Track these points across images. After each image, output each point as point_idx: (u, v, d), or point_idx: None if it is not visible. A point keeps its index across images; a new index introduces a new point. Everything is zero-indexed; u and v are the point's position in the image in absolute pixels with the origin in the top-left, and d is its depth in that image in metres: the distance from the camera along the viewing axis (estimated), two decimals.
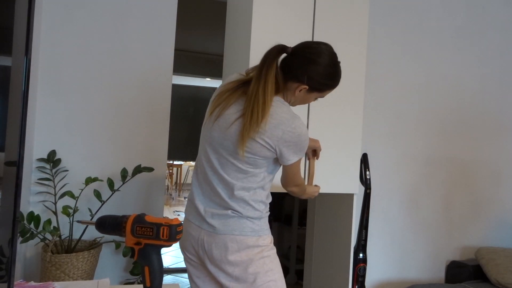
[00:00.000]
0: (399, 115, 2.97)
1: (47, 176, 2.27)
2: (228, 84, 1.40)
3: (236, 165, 1.34)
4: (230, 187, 1.36)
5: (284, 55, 1.35)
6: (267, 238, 1.41)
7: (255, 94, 1.28)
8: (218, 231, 1.36)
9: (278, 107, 1.32)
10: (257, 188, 1.38)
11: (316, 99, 1.45)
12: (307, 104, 2.00)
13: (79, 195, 2.24)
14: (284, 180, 1.49)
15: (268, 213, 1.45)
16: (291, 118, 1.32)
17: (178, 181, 8.74)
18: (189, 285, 1.50)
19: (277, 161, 1.39)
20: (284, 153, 1.34)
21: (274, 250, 1.43)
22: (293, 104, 1.45)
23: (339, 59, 1.41)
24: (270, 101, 1.29)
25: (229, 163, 1.35)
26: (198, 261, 1.43)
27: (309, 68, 1.33)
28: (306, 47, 1.36)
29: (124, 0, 2.47)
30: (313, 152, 1.79)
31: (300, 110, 1.98)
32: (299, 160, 1.41)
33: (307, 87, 1.35)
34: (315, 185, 1.70)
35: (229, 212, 1.35)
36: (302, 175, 1.81)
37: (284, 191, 1.76)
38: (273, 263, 1.39)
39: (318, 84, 1.37)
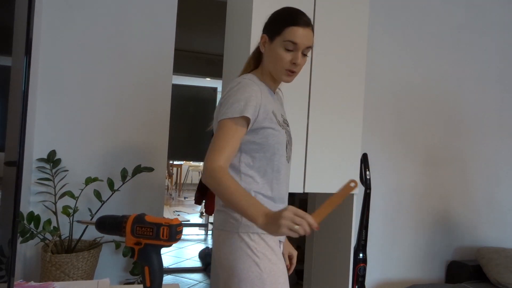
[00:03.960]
0: (399, 115, 2.97)
1: (47, 176, 2.27)
2: None
3: None
4: None
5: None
6: (257, 237, 1.22)
7: None
8: (215, 226, 1.32)
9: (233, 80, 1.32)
10: (234, 175, 1.26)
11: (288, 50, 1.27)
12: (307, 104, 1.99)
13: (79, 195, 2.23)
14: None
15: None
16: (236, 80, 1.29)
17: (178, 181, 8.74)
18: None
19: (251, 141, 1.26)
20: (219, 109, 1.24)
21: (270, 255, 1.23)
22: (270, 70, 1.32)
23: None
24: None
25: None
26: None
27: (265, 22, 1.36)
28: None
29: (124, 0, 2.47)
30: (289, 257, 1.48)
31: (300, 110, 1.98)
32: (228, 124, 1.18)
33: (265, 35, 1.31)
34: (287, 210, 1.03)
35: (218, 206, 1.32)
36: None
37: None
38: (261, 270, 1.19)
39: (269, 25, 1.32)
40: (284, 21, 1.28)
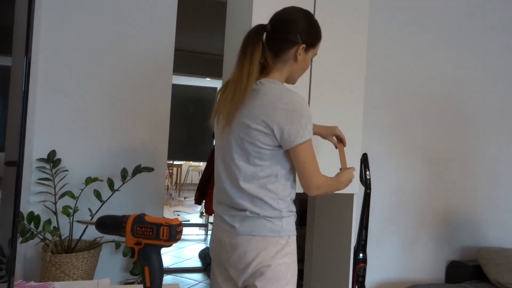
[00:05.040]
0: (399, 114, 2.97)
1: (47, 176, 2.27)
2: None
3: (245, 160, 1.30)
4: (241, 187, 1.31)
5: (265, 36, 1.35)
6: (291, 239, 1.34)
7: (238, 75, 1.29)
8: (238, 231, 1.31)
9: (268, 87, 1.29)
10: (271, 184, 1.31)
11: (311, 59, 1.43)
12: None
13: (79, 195, 2.24)
14: (301, 180, 1.32)
15: (291, 213, 1.36)
16: (283, 93, 1.27)
17: (178, 181, 8.74)
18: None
19: (286, 151, 1.31)
20: (284, 128, 1.24)
21: (295, 254, 1.36)
22: (294, 76, 1.41)
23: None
24: (252, 78, 1.28)
25: (236, 161, 1.32)
26: (220, 263, 1.40)
27: (295, 26, 1.34)
28: (279, 14, 1.38)
29: (124, 0, 2.47)
30: (338, 139, 1.64)
31: None
32: (309, 145, 1.28)
33: (304, 45, 1.34)
34: (348, 168, 1.50)
35: (247, 213, 1.31)
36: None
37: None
38: (288, 270, 1.32)
39: (310, 37, 1.36)
40: (319, 35, 1.40)
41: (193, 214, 6.59)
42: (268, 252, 1.29)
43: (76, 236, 2.28)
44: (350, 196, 2.16)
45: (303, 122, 1.25)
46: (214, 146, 1.44)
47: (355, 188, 2.10)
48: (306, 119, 1.26)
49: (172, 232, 0.92)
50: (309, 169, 1.29)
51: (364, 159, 2.27)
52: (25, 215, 2.12)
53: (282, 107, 1.24)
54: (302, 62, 1.37)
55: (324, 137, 1.65)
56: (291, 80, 1.42)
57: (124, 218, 0.95)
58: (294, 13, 1.37)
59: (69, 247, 2.19)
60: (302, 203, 3.62)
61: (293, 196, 1.38)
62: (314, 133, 1.63)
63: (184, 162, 8.84)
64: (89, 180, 2.21)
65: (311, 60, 1.43)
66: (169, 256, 4.17)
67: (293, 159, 1.30)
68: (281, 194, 1.32)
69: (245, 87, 1.27)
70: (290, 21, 1.35)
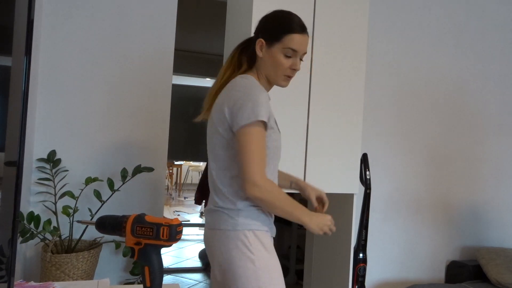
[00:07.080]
0: (399, 115, 2.97)
1: (47, 176, 2.27)
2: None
3: (213, 152, 1.30)
4: (211, 180, 1.34)
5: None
6: (251, 234, 1.24)
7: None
8: (208, 225, 1.32)
9: (234, 80, 1.31)
10: (231, 177, 1.26)
11: (287, 56, 1.30)
12: (306, 104, 1.99)
13: (79, 195, 2.23)
14: (240, 173, 1.20)
15: (252, 207, 1.27)
16: (241, 82, 1.27)
17: (178, 181, 8.74)
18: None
19: None
20: (232, 109, 1.20)
21: (264, 251, 1.24)
22: (268, 74, 1.33)
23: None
24: (224, 77, 1.35)
25: (211, 155, 1.33)
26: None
27: (259, 25, 1.37)
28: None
29: (124, 1, 2.47)
30: (319, 202, 1.53)
31: (300, 110, 1.98)
32: (255, 131, 1.18)
33: (262, 39, 1.32)
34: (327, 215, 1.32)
35: (212, 206, 1.31)
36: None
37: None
38: (256, 266, 1.20)
39: (268, 31, 1.31)
40: (283, 28, 1.30)
41: (193, 214, 6.59)
42: (227, 247, 1.23)
43: (76, 236, 2.28)
44: (350, 196, 2.16)
45: (250, 105, 1.19)
46: None
47: (355, 188, 2.10)
48: (255, 101, 1.19)
49: (172, 232, 0.92)
50: (248, 157, 1.17)
51: (364, 159, 2.27)
52: (25, 215, 2.12)
53: (235, 90, 1.25)
54: (268, 58, 1.31)
55: (307, 194, 1.52)
56: (271, 79, 1.35)
57: (124, 218, 0.95)
58: (266, 14, 1.38)
59: (69, 247, 2.19)
60: (301, 203, 3.62)
61: None
62: (300, 188, 1.56)
63: (184, 162, 8.83)
64: (89, 180, 2.21)
65: (287, 57, 1.31)
66: (169, 256, 4.17)
67: (236, 145, 1.20)
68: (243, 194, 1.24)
69: (217, 81, 1.36)
70: (260, 21, 1.38)
